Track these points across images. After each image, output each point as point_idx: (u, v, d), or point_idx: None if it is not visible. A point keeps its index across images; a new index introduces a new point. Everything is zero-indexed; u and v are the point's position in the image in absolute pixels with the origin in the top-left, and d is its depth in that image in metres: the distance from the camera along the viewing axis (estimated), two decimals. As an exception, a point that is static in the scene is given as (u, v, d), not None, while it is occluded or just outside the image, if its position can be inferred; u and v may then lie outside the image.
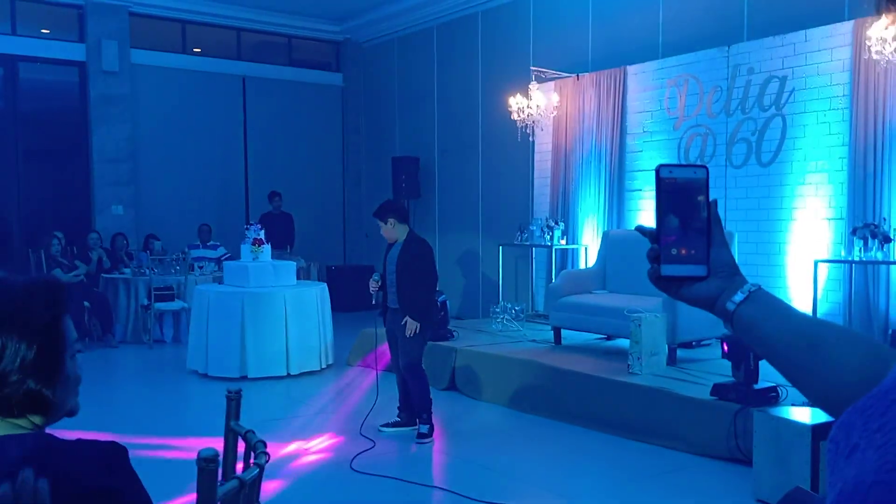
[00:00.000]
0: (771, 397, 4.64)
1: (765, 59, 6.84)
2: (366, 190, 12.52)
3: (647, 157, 7.86)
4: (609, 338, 6.89)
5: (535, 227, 8.74)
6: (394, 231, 5.28)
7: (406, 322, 5.14)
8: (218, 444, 1.96)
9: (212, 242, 10.38)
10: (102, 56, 10.39)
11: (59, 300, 1.30)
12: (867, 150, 6.11)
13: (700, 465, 4.72)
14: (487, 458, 4.91)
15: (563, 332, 6.85)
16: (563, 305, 6.72)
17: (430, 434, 5.25)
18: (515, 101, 8.45)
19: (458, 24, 10.53)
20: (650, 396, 5.22)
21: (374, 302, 5.49)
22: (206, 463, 1.44)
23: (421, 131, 11.25)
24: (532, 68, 8.69)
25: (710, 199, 0.95)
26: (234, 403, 2.07)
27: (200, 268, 9.82)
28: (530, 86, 8.44)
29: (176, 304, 8.98)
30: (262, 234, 7.77)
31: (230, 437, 2.06)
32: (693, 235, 0.94)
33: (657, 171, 0.95)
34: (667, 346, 5.84)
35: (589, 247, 8.42)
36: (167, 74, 11.06)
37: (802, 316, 0.93)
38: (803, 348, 0.89)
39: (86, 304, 8.62)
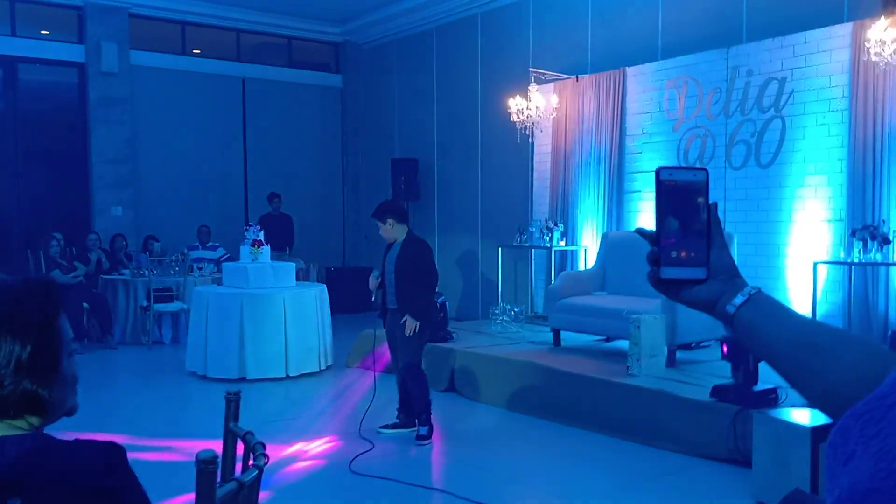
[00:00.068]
0: (770, 399, 4.64)
1: (764, 60, 6.84)
2: (365, 191, 12.51)
3: (647, 159, 7.86)
4: (608, 339, 6.88)
5: (534, 229, 8.74)
6: (393, 231, 5.28)
7: (406, 321, 5.14)
8: (217, 445, 1.96)
9: (211, 244, 10.38)
10: (102, 57, 10.39)
11: (52, 300, 1.29)
12: (866, 152, 6.11)
13: (699, 466, 4.71)
14: (486, 459, 4.90)
15: (563, 334, 6.85)
16: (562, 307, 6.72)
17: (429, 435, 5.24)
18: (515, 103, 8.45)
19: (457, 25, 10.54)
20: (649, 398, 5.21)
21: (373, 299, 5.48)
22: (204, 464, 1.44)
23: (420, 133, 11.25)
24: (531, 70, 8.69)
25: (710, 201, 0.95)
26: (232, 405, 2.07)
27: (199, 269, 9.81)
28: (530, 87, 8.44)
29: (175, 306, 8.97)
30: (261, 236, 7.77)
31: (229, 438, 2.06)
32: (693, 238, 0.94)
33: (657, 173, 0.95)
34: (666, 348, 5.84)
35: (588, 248, 8.42)
36: (167, 76, 11.06)
37: (802, 318, 0.93)
38: (803, 350, 0.89)
39: (85, 305, 8.61)
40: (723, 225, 0.99)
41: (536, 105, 8.39)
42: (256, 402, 6.11)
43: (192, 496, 1.44)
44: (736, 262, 0.97)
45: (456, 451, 5.15)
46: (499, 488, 4.43)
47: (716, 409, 4.78)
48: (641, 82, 7.94)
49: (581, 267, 8.41)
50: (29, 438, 1.23)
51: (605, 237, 7.51)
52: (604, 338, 6.89)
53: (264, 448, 1.75)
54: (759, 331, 0.92)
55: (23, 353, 1.23)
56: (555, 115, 8.54)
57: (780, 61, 6.73)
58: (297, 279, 8.14)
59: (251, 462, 1.75)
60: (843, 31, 6.28)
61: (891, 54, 5.61)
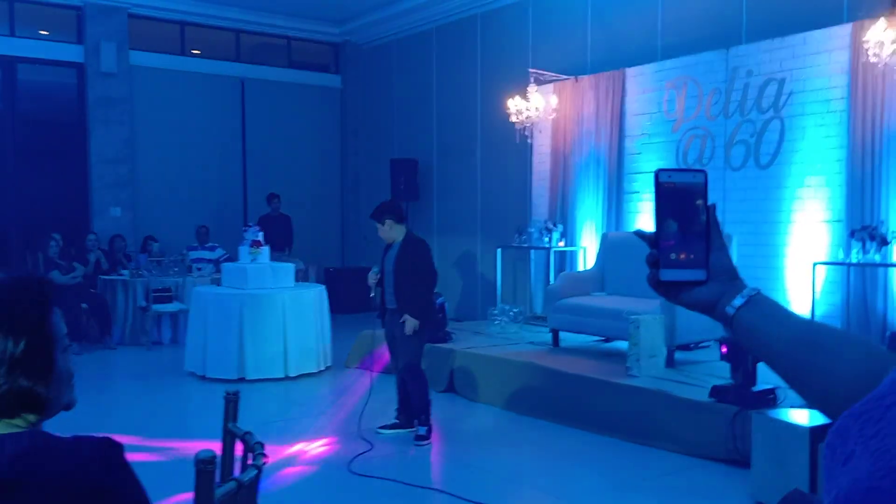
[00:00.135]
0: (769, 399, 4.64)
1: (763, 61, 6.85)
2: (364, 192, 12.51)
3: (646, 160, 7.86)
4: (607, 340, 6.88)
5: (533, 230, 8.74)
6: (391, 232, 5.29)
7: (405, 320, 5.14)
8: (216, 445, 1.96)
9: (210, 244, 10.37)
10: (101, 57, 10.38)
11: (45, 296, 1.29)
12: (865, 153, 6.12)
13: (698, 467, 4.72)
14: (485, 460, 4.90)
15: (562, 334, 6.85)
16: (561, 307, 6.72)
17: (428, 436, 5.24)
18: (514, 104, 8.45)
19: (457, 26, 10.54)
20: (648, 398, 5.22)
21: (371, 295, 5.47)
22: (203, 465, 1.44)
23: (419, 133, 11.25)
24: (531, 70, 8.69)
25: (709, 203, 0.95)
26: (231, 405, 2.07)
27: (199, 269, 9.81)
28: (529, 88, 8.44)
29: (174, 306, 8.97)
30: (260, 236, 7.77)
31: (228, 438, 2.06)
32: (692, 240, 0.94)
33: (656, 175, 0.95)
34: (665, 349, 5.84)
35: (587, 249, 8.42)
36: (166, 76, 11.05)
37: (801, 319, 0.93)
38: (802, 350, 0.89)
39: (84, 305, 8.61)
40: (722, 226, 0.99)
41: (536, 106, 8.39)
42: (255, 403, 6.11)
43: (190, 496, 1.44)
44: (735, 263, 0.97)
45: (455, 451, 5.15)
46: (498, 488, 4.43)
47: (715, 409, 4.79)
48: (641, 83, 7.94)
49: (580, 267, 8.40)
50: (26, 436, 1.23)
51: (604, 238, 7.51)
52: (603, 338, 6.89)
53: (263, 448, 1.75)
54: (758, 332, 0.92)
55: (16, 350, 1.23)
56: (554, 115, 8.54)
57: (780, 62, 6.73)
58: (297, 280, 8.14)
59: (250, 462, 1.75)
60: (843, 32, 6.28)
61: (889, 55, 5.62)
